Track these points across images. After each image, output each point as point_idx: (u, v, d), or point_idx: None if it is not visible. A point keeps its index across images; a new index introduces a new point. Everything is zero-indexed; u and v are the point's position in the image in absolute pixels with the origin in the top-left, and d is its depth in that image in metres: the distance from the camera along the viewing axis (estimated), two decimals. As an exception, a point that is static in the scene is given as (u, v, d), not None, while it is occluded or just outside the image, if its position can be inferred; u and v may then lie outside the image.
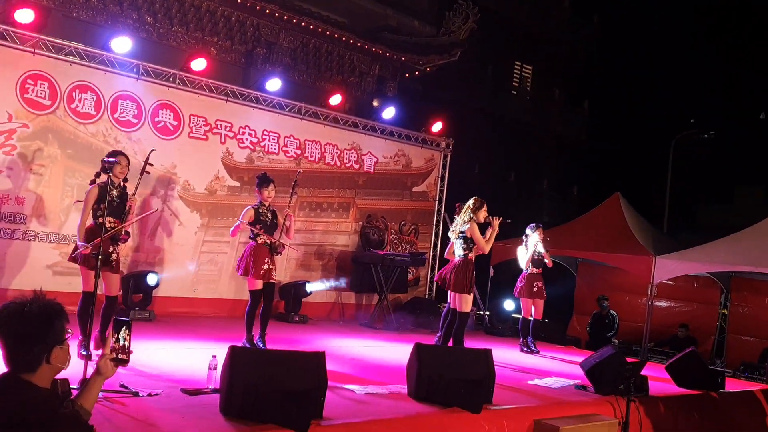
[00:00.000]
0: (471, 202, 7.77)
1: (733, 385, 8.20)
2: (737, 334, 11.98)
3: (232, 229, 7.11)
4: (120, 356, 2.89)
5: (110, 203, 5.71)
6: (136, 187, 6.07)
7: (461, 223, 7.70)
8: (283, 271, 10.38)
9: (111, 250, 5.81)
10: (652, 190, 19.32)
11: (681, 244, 11.01)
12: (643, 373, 6.70)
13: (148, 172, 6.26)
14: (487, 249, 7.67)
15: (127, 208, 5.94)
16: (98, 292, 5.11)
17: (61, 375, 2.80)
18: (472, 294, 7.66)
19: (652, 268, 10.45)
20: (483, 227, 7.73)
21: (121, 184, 5.93)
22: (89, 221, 5.84)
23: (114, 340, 2.89)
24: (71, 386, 3.20)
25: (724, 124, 20.32)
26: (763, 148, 20.90)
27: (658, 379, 7.43)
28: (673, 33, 22.51)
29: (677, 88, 21.46)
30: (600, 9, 21.98)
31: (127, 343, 2.91)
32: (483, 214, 7.66)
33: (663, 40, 22.56)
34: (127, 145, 8.57)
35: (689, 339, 11.52)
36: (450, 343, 7.51)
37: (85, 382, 3.01)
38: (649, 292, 10.56)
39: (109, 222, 5.69)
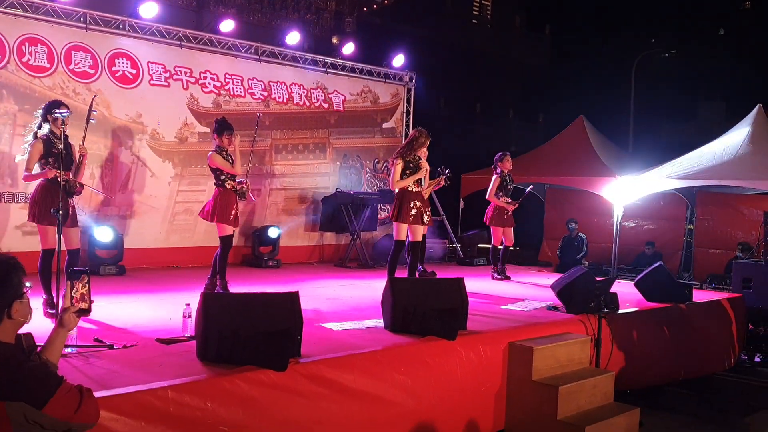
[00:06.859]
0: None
1: (701, 296, 8.38)
2: (703, 248, 12.28)
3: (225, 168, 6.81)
4: (80, 306, 2.86)
5: (58, 156, 5.49)
6: (84, 137, 5.90)
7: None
8: (265, 216, 10.37)
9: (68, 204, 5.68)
10: (616, 112, 19.38)
11: (645, 163, 11.10)
12: (613, 290, 6.82)
13: (93, 120, 6.06)
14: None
15: (78, 159, 5.81)
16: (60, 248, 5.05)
17: (27, 330, 2.77)
18: (406, 223, 7.35)
19: (617, 189, 10.58)
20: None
21: (64, 134, 5.62)
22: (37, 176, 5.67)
23: (72, 291, 2.86)
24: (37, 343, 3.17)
25: (684, 42, 20.33)
26: (723, 64, 21.00)
27: (629, 296, 7.58)
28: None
29: (637, 8, 21.35)
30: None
31: (85, 293, 2.88)
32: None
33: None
34: (87, 96, 8.30)
35: (656, 255, 11.75)
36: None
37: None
38: (615, 212, 10.70)
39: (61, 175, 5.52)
